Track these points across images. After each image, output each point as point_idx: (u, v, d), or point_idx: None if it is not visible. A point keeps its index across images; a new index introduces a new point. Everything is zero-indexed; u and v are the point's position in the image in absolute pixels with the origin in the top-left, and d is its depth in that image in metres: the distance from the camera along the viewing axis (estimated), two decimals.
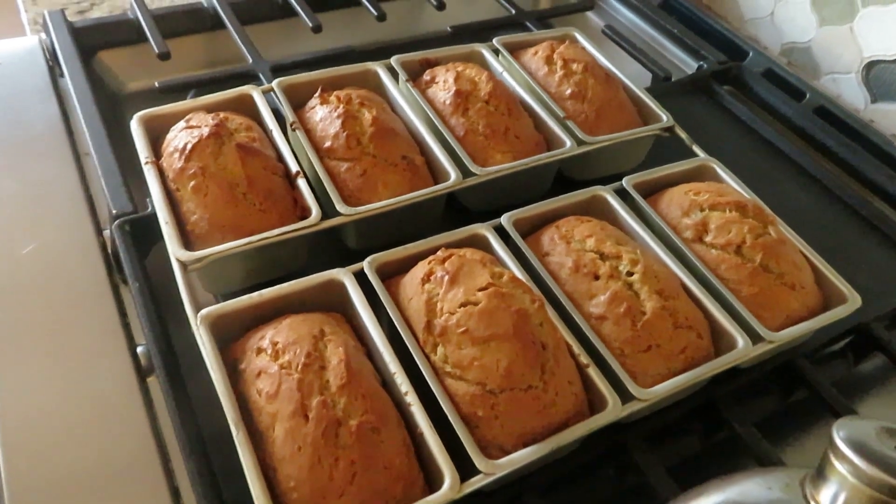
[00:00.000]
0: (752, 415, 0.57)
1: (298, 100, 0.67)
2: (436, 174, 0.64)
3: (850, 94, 0.95)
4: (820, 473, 0.35)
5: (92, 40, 0.83)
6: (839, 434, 0.35)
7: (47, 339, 0.58)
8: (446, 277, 0.50)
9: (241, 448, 0.43)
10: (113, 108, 0.80)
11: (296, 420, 0.43)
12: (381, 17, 0.87)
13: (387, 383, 0.48)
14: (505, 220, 0.59)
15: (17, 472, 0.50)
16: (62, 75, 0.79)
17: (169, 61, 0.78)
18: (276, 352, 0.46)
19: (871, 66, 0.91)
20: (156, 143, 0.62)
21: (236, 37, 0.82)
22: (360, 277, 0.53)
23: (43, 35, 0.86)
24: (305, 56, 0.83)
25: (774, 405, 0.60)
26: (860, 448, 0.34)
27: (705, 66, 0.92)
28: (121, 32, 0.84)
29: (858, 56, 0.92)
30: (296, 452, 0.42)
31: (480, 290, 0.49)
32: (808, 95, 0.88)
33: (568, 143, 0.67)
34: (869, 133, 0.84)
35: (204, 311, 0.49)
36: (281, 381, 0.45)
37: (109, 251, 0.64)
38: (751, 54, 0.94)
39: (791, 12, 0.99)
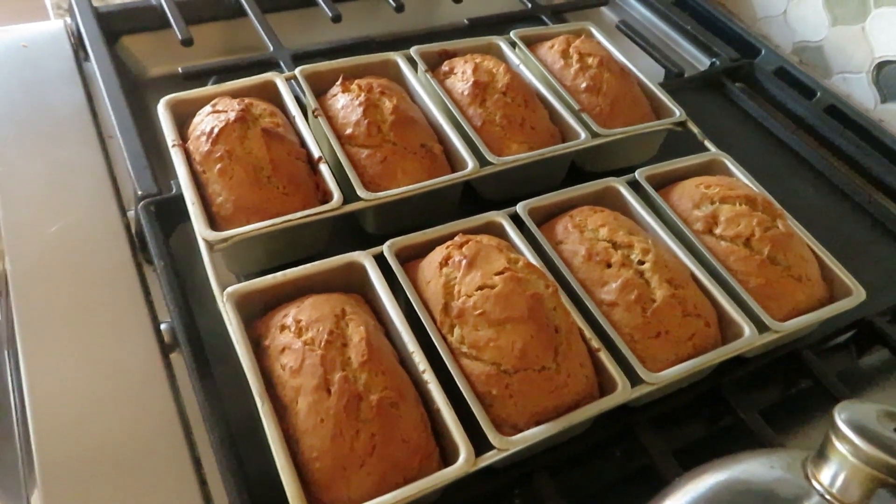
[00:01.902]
0: (757, 402, 0.59)
1: (320, 87, 0.69)
2: (453, 163, 0.66)
3: (861, 93, 0.96)
4: (821, 454, 0.37)
5: (116, 25, 0.85)
6: (841, 416, 0.36)
7: (73, 315, 0.59)
8: (464, 262, 0.52)
9: (265, 419, 0.45)
10: (135, 92, 0.82)
11: (319, 394, 0.45)
12: (400, 8, 0.88)
13: (405, 362, 0.50)
14: (520, 208, 0.60)
15: (47, 443, 0.52)
16: (87, 59, 0.80)
17: (190, 47, 0.80)
18: (299, 329, 0.48)
19: (881, 66, 0.92)
20: (181, 127, 0.64)
21: (257, 25, 0.84)
22: (380, 260, 0.55)
23: (68, 19, 0.87)
24: (325, 45, 0.84)
25: (778, 394, 0.62)
26: (861, 429, 0.35)
27: (718, 62, 0.93)
28: (144, 18, 0.86)
29: (870, 56, 0.93)
30: (318, 424, 0.44)
31: (497, 274, 0.51)
32: (818, 94, 0.90)
33: (582, 135, 0.68)
34: (878, 132, 0.85)
35: (230, 289, 0.51)
36: (304, 357, 0.46)
37: (133, 231, 0.66)
38: (763, 52, 0.95)
39: (804, 11, 1.00)
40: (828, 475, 0.36)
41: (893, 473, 0.34)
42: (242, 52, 0.88)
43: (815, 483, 0.37)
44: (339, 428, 0.44)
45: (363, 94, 0.65)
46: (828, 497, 0.36)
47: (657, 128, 0.73)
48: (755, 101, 0.89)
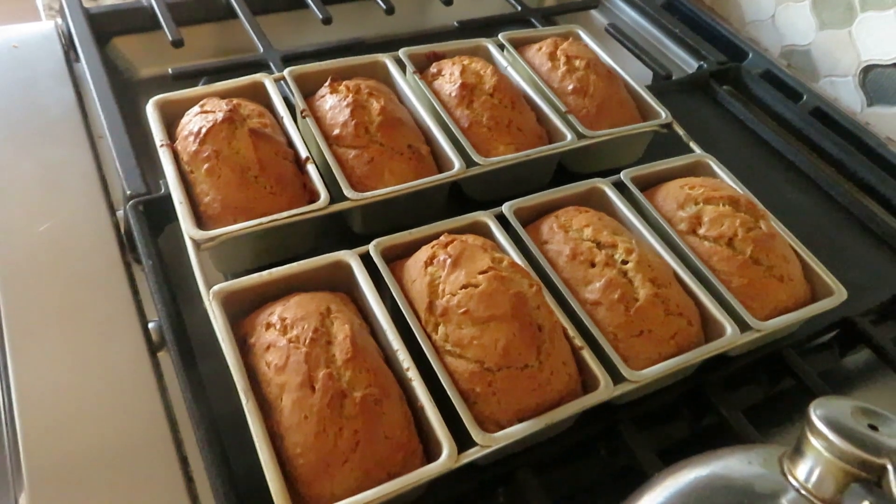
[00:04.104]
0: (740, 401, 0.59)
1: (308, 88, 0.69)
2: (440, 163, 0.66)
3: (847, 96, 0.97)
4: (797, 449, 0.37)
5: (107, 26, 0.85)
6: (816, 412, 0.37)
7: (62, 313, 0.60)
8: (449, 261, 0.52)
9: (250, 416, 0.45)
10: (126, 93, 0.82)
11: (303, 391, 0.45)
12: (390, 11, 0.89)
13: (389, 360, 0.50)
14: (506, 208, 0.61)
15: (35, 443, 0.52)
16: (77, 60, 0.81)
17: (181, 49, 0.80)
18: (284, 327, 0.49)
19: (868, 69, 0.93)
20: (169, 127, 0.64)
21: (248, 26, 0.84)
22: (366, 260, 0.55)
23: (59, 20, 0.88)
24: (315, 47, 0.85)
25: (761, 393, 0.62)
26: (835, 425, 0.36)
27: (705, 65, 0.94)
28: (135, 19, 0.86)
29: (856, 60, 0.94)
30: (302, 421, 0.45)
31: (481, 273, 0.51)
32: (805, 97, 0.90)
33: (569, 136, 0.69)
34: (863, 135, 0.86)
35: (216, 287, 0.51)
36: (289, 354, 0.47)
37: (122, 231, 0.66)
38: (750, 55, 0.96)
39: (792, 15, 1.01)
40: (803, 471, 0.37)
41: (867, 469, 0.34)
42: (233, 53, 0.89)
43: (791, 479, 0.37)
44: (323, 424, 0.44)
45: (351, 95, 0.65)
46: (803, 492, 0.36)
47: (643, 129, 0.73)
48: (742, 103, 0.90)
